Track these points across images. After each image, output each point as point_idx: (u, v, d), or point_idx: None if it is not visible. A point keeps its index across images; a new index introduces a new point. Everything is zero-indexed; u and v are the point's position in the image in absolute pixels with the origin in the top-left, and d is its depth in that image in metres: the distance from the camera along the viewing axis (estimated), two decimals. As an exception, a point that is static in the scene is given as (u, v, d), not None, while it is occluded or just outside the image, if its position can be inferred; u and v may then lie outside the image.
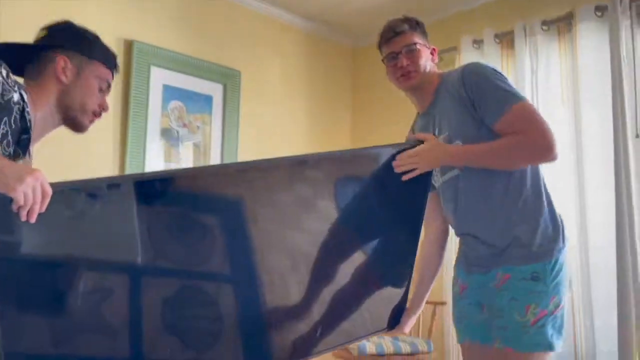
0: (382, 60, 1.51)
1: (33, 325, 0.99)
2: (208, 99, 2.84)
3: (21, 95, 1.10)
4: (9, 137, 1.07)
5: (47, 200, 0.92)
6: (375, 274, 1.51)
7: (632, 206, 2.11)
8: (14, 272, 0.95)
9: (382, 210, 1.47)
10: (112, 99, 2.31)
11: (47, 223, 0.94)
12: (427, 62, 1.47)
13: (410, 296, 1.58)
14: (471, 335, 1.47)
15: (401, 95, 1.59)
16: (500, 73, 1.43)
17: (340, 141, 3.39)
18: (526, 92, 2.57)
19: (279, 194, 1.27)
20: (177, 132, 2.71)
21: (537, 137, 1.32)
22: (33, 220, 0.91)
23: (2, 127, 1.05)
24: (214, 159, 2.81)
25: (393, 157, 1.39)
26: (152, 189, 1.09)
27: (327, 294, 1.39)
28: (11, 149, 1.09)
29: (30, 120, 1.13)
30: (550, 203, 1.41)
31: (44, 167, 0.99)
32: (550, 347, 1.33)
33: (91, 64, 1.22)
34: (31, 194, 0.90)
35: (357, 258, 1.46)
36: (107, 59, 1.25)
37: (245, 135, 2.93)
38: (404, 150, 1.40)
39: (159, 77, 2.67)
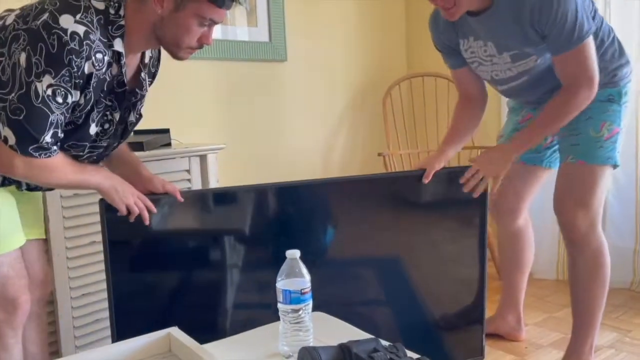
0: None
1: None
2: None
3: (106, 51, 1.06)
4: (87, 103, 1.08)
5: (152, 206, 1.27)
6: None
7: None
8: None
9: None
10: None
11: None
12: None
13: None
14: (526, 159, 1.70)
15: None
16: None
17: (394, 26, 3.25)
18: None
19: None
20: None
21: (584, 91, 1.39)
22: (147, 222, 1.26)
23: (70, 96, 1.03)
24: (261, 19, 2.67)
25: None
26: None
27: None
28: (82, 113, 1.10)
29: (124, 74, 1.12)
30: (616, 40, 1.52)
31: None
32: (616, 162, 1.50)
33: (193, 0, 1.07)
34: (136, 207, 1.23)
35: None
36: None
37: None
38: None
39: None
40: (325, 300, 1.50)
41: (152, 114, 2.35)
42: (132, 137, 2.00)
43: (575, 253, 1.52)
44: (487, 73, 1.59)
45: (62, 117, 1.05)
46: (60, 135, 1.07)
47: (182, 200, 1.33)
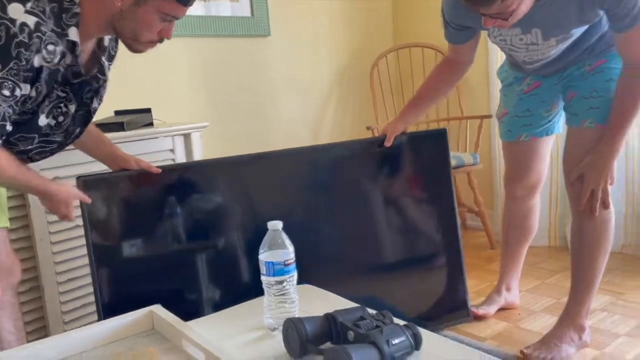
0: None
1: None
2: None
3: (59, 41, 1.00)
4: (38, 96, 1.03)
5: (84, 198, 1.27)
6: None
7: None
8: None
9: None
10: None
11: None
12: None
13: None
14: (538, 133, 1.66)
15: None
16: None
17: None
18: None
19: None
20: None
21: None
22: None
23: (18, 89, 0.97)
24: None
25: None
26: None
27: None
28: (33, 105, 1.05)
29: (80, 64, 1.07)
30: None
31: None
32: None
33: None
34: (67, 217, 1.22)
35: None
36: None
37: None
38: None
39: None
40: (312, 273, 1.50)
41: (133, 93, 2.31)
42: (112, 118, 1.96)
43: (583, 219, 1.50)
44: (518, 56, 1.53)
45: (10, 110, 0.99)
46: (9, 128, 1.01)
47: (159, 171, 1.35)
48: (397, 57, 3.01)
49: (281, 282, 0.95)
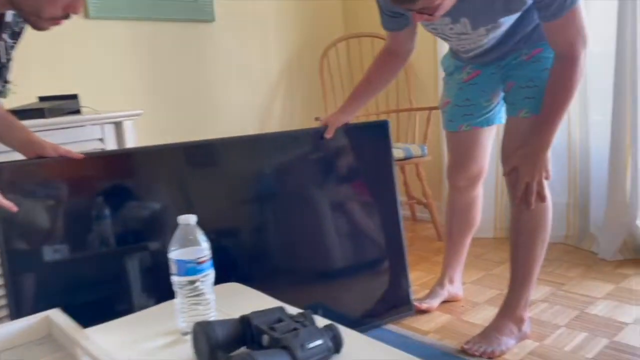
0: None
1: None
2: None
3: None
4: None
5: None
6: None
7: (637, 2, 1.95)
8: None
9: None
10: None
11: None
12: None
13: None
14: (469, 121, 1.63)
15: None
16: None
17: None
18: None
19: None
20: None
21: (582, 51, 1.32)
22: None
23: None
24: None
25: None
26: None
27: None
28: None
29: None
30: None
31: None
32: None
33: None
34: None
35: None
36: None
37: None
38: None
39: None
40: (239, 270, 1.43)
41: (64, 79, 2.16)
42: (33, 104, 1.82)
43: (520, 210, 1.48)
44: (452, 45, 1.52)
45: None
46: None
47: (80, 156, 1.26)
48: (348, 46, 2.95)
49: (193, 282, 0.87)
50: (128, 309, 1.26)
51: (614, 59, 2.03)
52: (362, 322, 1.64)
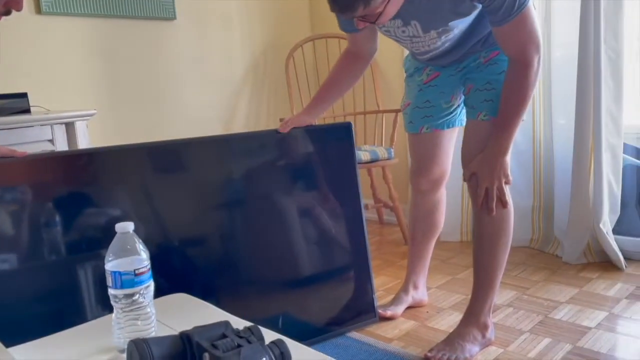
0: None
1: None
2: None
3: None
4: None
5: None
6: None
7: (600, 6, 1.96)
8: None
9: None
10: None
11: None
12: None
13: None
14: (429, 123, 1.60)
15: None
16: None
17: None
18: None
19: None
20: None
21: (535, 56, 1.29)
22: None
23: None
24: None
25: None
26: None
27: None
28: None
29: None
30: None
31: None
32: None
33: None
34: None
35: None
36: None
37: None
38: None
39: None
40: (191, 280, 1.36)
41: (9, 77, 2.04)
42: (-23, 103, 1.71)
43: (482, 215, 1.45)
44: (406, 47, 1.49)
45: None
46: None
47: (25, 154, 1.19)
48: (314, 47, 2.91)
49: (131, 296, 0.80)
50: (80, 322, 1.18)
51: (576, 62, 2.04)
52: (326, 330, 1.59)
